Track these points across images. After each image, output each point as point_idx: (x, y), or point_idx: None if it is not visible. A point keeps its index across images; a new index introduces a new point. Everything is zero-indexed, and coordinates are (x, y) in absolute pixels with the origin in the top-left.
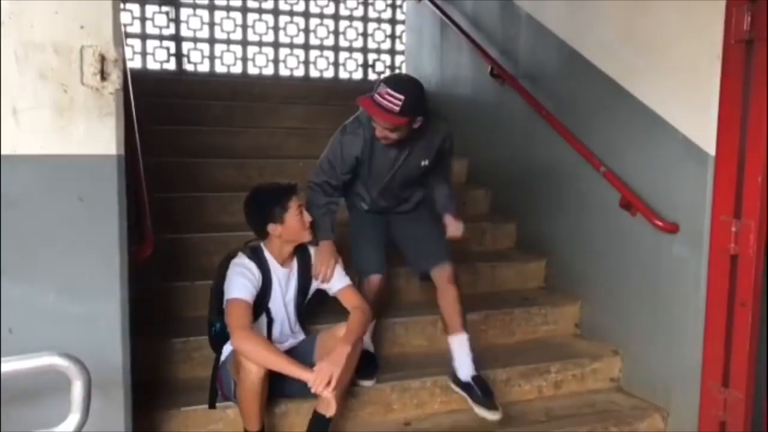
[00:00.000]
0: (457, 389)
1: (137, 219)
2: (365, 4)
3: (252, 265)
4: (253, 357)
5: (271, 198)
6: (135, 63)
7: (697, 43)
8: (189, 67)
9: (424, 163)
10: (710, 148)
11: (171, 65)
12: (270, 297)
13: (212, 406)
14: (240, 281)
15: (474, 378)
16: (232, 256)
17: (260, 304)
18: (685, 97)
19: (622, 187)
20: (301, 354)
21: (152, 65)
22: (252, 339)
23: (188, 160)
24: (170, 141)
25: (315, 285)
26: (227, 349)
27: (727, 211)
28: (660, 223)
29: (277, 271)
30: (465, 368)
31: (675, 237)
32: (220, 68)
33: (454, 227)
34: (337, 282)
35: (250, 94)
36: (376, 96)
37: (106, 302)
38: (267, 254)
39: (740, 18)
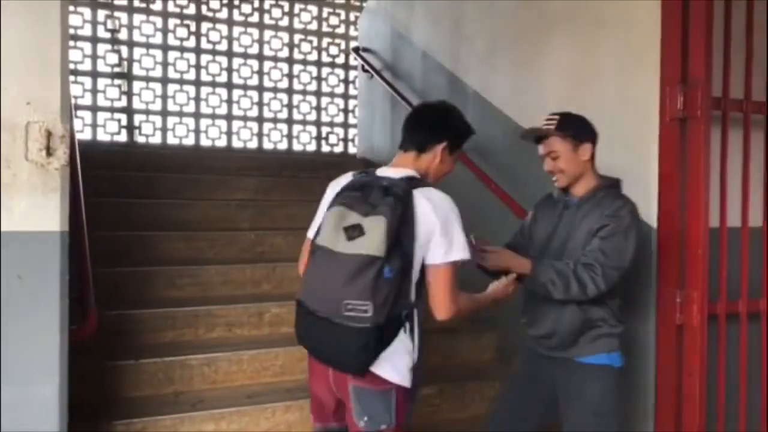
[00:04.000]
0: None
1: (81, 296)
2: (318, 80)
3: None
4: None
5: (461, 125)
6: (85, 135)
7: (636, 121)
8: (140, 139)
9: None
10: (653, 221)
11: (122, 137)
12: None
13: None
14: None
15: None
16: (415, 185)
17: None
18: (627, 172)
19: None
20: None
21: (103, 137)
22: (459, 299)
23: (137, 233)
24: (119, 214)
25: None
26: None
27: (671, 282)
28: None
29: None
30: None
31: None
32: (172, 140)
33: (504, 285)
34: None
35: (202, 166)
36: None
37: (44, 386)
38: None
39: (673, 98)
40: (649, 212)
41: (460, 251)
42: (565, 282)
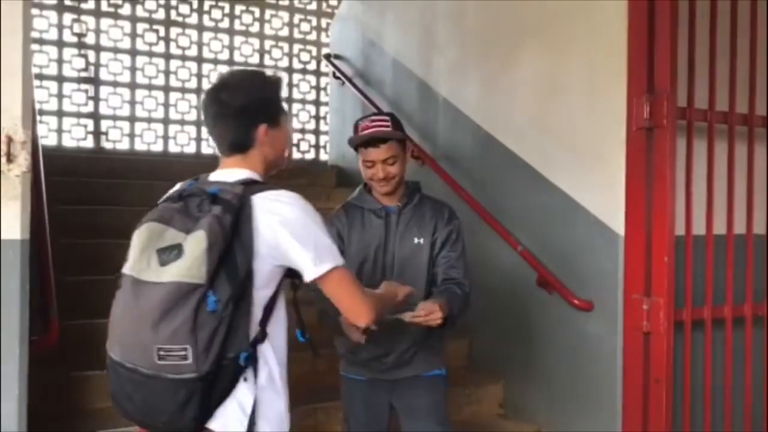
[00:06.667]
0: None
1: (42, 306)
2: (290, 86)
3: None
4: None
5: (272, 88)
6: (50, 140)
7: (603, 130)
8: (107, 145)
9: (419, 241)
10: (620, 228)
11: (89, 143)
12: None
13: None
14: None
15: None
16: (255, 190)
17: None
18: (595, 180)
19: (538, 266)
20: None
21: (69, 143)
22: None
23: (104, 241)
24: (86, 221)
25: None
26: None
27: (638, 289)
28: (576, 302)
29: None
30: None
31: (591, 314)
32: (140, 146)
33: (428, 311)
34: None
35: (170, 173)
36: (361, 131)
37: (2, 401)
38: None
39: (640, 108)
40: (616, 220)
41: (331, 257)
42: (461, 305)
